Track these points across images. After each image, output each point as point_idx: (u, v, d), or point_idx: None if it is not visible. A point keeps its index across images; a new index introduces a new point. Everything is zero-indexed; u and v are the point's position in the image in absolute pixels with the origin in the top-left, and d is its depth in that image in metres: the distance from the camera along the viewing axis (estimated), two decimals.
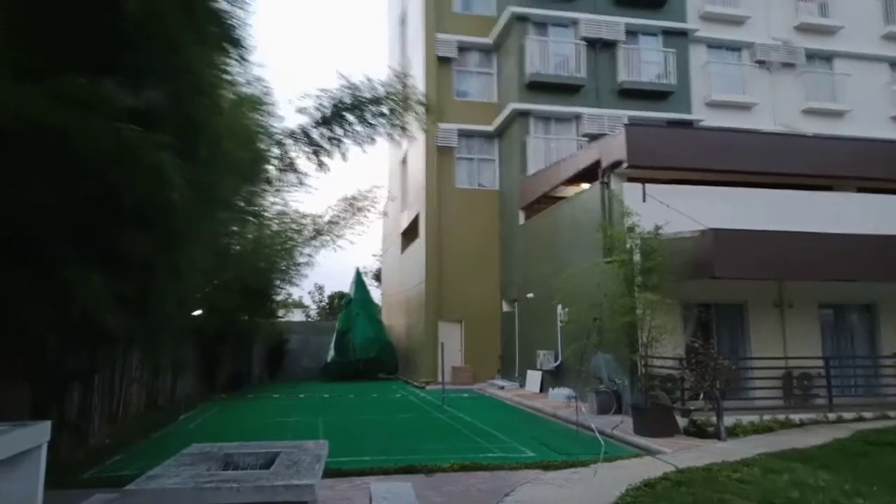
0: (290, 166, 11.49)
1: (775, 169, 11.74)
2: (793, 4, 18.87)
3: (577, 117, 16.85)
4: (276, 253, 17.69)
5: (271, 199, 16.28)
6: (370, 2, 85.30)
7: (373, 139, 11.25)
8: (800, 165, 11.87)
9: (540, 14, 16.89)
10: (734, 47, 18.47)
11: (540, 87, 16.66)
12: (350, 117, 10.91)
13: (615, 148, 11.44)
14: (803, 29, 18.72)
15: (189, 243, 7.97)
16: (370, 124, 11.09)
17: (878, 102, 18.91)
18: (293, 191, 15.07)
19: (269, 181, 13.36)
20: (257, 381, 19.79)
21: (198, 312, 14.06)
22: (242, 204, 13.89)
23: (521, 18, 16.88)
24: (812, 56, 18.81)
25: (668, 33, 17.49)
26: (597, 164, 11.89)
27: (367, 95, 10.94)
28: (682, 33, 17.61)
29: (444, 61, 17.96)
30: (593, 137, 15.47)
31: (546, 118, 16.93)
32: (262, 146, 12.27)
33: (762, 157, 12.03)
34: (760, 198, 11.31)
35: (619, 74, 17.06)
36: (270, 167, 12.48)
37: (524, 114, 16.65)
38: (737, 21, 18.38)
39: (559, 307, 13.07)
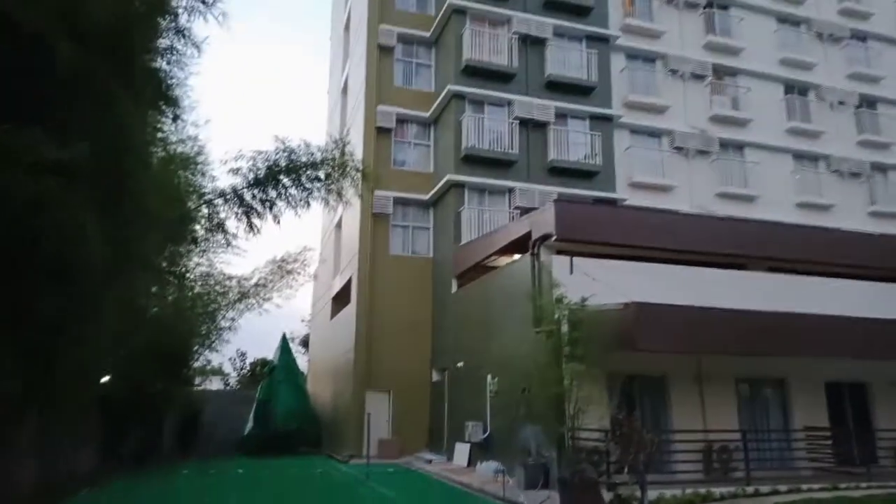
0: (218, 227, 11.22)
1: (693, 247, 12.39)
2: (707, 97, 20.55)
3: (510, 191, 17.41)
4: (196, 317, 16.96)
5: (196, 259, 15.78)
6: (313, 72, 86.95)
7: (307, 203, 11.19)
8: (715, 245, 12.59)
9: (477, 93, 17.66)
10: (655, 133, 19.82)
11: (475, 161, 17.20)
12: (285, 180, 10.85)
13: (545, 221, 11.82)
14: (717, 119, 20.36)
15: (103, 302, 7.52)
16: (305, 188, 11.06)
17: (784, 189, 20.56)
18: (220, 252, 14.69)
19: (195, 241, 12.96)
20: (168, 454, 18.41)
21: (106, 379, 13.13)
22: (165, 264, 13.34)
23: (459, 96, 17.58)
24: (725, 144, 20.39)
25: (594, 118, 18.60)
26: (527, 236, 12.22)
27: (304, 159, 10.97)
28: (608, 118, 18.78)
29: (383, 131, 18.34)
30: (525, 210, 15.96)
31: (480, 190, 17.40)
32: (191, 205, 11.97)
33: (681, 235, 12.72)
34: (680, 274, 11.86)
35: (549, 153, 17.88)
36: (198, 227, 12.14)
37: (459, 185, 17.07)
38: (657, 110, 19.81)
39: (489, 377, 13.02)
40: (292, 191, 10.95)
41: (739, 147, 20.64)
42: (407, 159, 18.91)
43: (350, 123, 20.90)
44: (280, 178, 10.75)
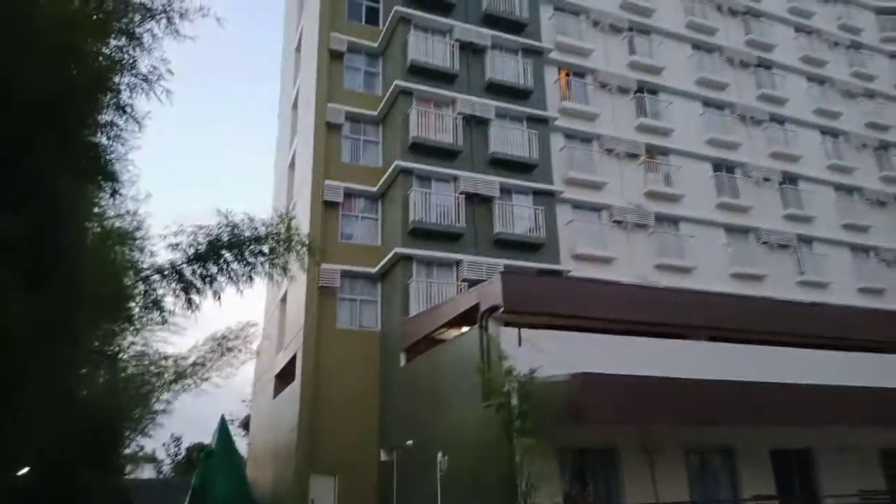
0: (155, 304, 10.81)
1: (636, 318, 12.69)
2: (642, 174, 21.64)
3: (458, 263, 17.57)
4: (128, 400, 16.03)
5: (131, 338, 15.07)
6: (261, 147, 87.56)
7: (250, 278, 10.95)
8: (656, 315, 12.93)
9: (424, 169, 18.08)
10: (595, 208, 20.59)
11: (423, 234, 17.37)
12: (227, 255, 10.63)
13: (492, 293, 11.92)
14: (652, 195, 21.37)
15: (26, 385, 7.02)
16: (248, 263, 10.84)
17: (719, 261, 21.50)
18: (156, 330, 14.09)
19: (130, 319, 12.42)
20: None
21: (24, 470, 12.06)
22: (97, 343, 12.66)
23: (406, 172, 17.94)
24: (661, 218, 21.32)
25: (537, 193, 19.24)
26: (475, 308, 12.25)
27: (248, 234, 10.81)
28: (550, 193, 19.46)
29: (330, 205, 18.40)
30: (472, 283, 16.09)
31: (428, 263, 17.49)
32: (127, 281, 11.53)
33: (624, 306, 13.03)
34: (625, 344, 12.05)
35: (495, 226, 18.27)
36: (133, 304, 11.67)
37: (407, 258, 17.13)
38: (596, 186, 20.68)
39: (439, 455, 12.62)
40: (235, 266, 10.71)
41: (674, 221, 21.62)
42: (354, 233, 18.94)
43: (297, 198, 20.91)
44: (222, 252, 10.54)
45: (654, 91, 23.12)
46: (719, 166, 23.13)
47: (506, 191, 18.87)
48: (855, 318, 16.25)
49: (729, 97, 24.21)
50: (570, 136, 21.12)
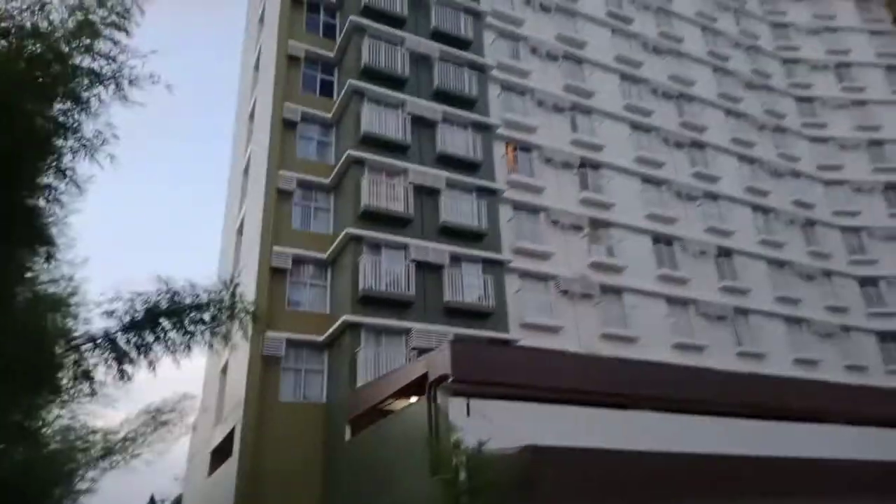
0: (85, 375, 10.22)
1: (584, 387, 12.72)
2: (586, 246, 22.29)
3: (407, 332, 17.41)
4: (51, 478, 14.84)
5: (57, 411, 14.14)
6: (210, 212, 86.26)
7: (189, 348, 10.53)
8: (604, 385, 13.01)
9: (374, 237, 18.14)
10: (542, 277, 20.97)
11: (372, 302, 17.22)
12: (165, 323, 10.24)
13: (441, 363, 11.77)
14: (596, 266, 21.98)
15: None
16: (188, 332, 10.45)
17: (661, 331, 22.03)
18: (85, 402, 13.27)
19: (57, 391, 11.69)
20: None
21: None
22: (18, 417, 11.84)
23: (357, 239, 17.95)
24: (605, 289, 21.86)
25: (486, 262, 19.52)
26: (424, 377, 12.05)
27: (188, 301, 10.48)
28: (499, 263, 19.77)
29: (278, 272, 18.12)
30: (422, 352, 15.90)
31: (377, 331, 17.27)
32: (57, 350, 10.92)
33: (572, 376, 13.07)
34: (573, 414, 12.01)
35: (445, 294, 18.31)
36: (62, 375, 11.03)
37: (355, 326, 16.87)
38: (543, 256, 21.15)
39: None
40: (173, 335, 10.31)
41: (618, 291, 22.19)
42: (302, 300, 18.61)
43: (244, 263, 20.51)
44: (160, 321, 10.14)
45: (596, 166, 24.20)
46: (658, 239, 24.10)
47: (455, 259, 19.06)
48: (792, 389, 16.75)
49: (666, 174, 25.55)
50: (517, 207, 21.71)
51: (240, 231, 22.98)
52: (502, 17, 24.74)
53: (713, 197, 26.44)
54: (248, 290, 17.63)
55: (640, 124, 26.19)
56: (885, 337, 27.15)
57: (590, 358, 17.02)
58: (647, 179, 25.12)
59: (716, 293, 24.06)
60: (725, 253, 25.31)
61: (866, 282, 28.34)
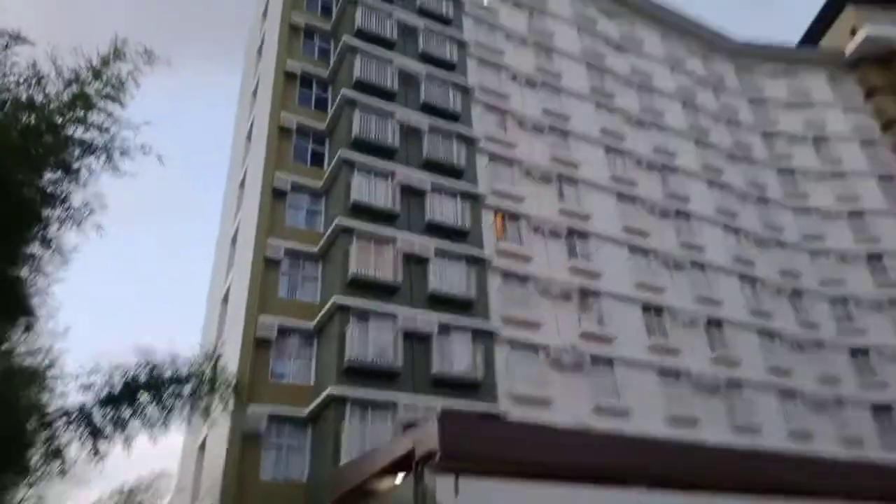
0: (55, 453, 9.76)
1: (577, 464, 12.28)
2: (576, 315, 22.16)
3: (394, 405, 16.94)
4: None
5: (24, 491, 13.44)
6: (196, 283, 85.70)
7: (166, 423, 10.15)
8: (597, 461, 12.57)
9: (362, 306, 17.93)
10: (532, 347, 20.70)
11: (358, 373, 16.84)
12: (143, 397, 9.90)
13: (428, 438, 11.35)
14: (586, 336, 21.78)
15: None
16: (166, 406, 10.10)
17: (653, 403, 21.62)
18: (55, 482, 12.61)
19: (26, 470, 11.15)
20: None
21: None
22: None
23: (344, 308, 17.74)
24: (596, 360, 21.56)
25: (476, 331, 19.29)
26: (411, 454, 11.61)
27: (168, 374, 10.18)
28: (488, 332, 19.54)
29: (263, 342, 17.75)
30: (409, 426, 15.39)
31: (363, 405, 16.78)
32: (28, 427, 10.48)
33: (564, 452, 12.64)
34: (565, 493, 11.54)
35: (433, 365, 17.97)
36: (33, 452, 10.56)
37: (341, 399, 16.41)
38: (533, 325, 20.97)
39: None
40: (150, 409, 9.95)
41: (609, 362, 21.89)
42: (286, 372, 18.15)
43: (228, 334, 20.16)
44: (138, 394, 9.80)
45: (583, 235, 24.41)
46: (648, 308, 24.03)
47: (444, 328, 18.83)
48: (789, 465, 16.31)
49: (652, 244, 25.79)
50: (506, 275, 21.69)
51: (225, 301, 22.69)
52: (489, 91, 25.54)
53: (700, 266, 26.62)
54: (231, 361, 17.25)
55: (625, 194, 26.65)
56: (878, 409, 26.80)
57: (583, 433, 16.57)
58: (634, 248, 25.31)
59: (707, 364, 23.79)
60: (715, 323, 25.23)
61: (856, 352, 28.24)
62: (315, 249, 19.82)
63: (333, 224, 19.04)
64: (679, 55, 34.49)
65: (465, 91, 24.41)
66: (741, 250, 28.34)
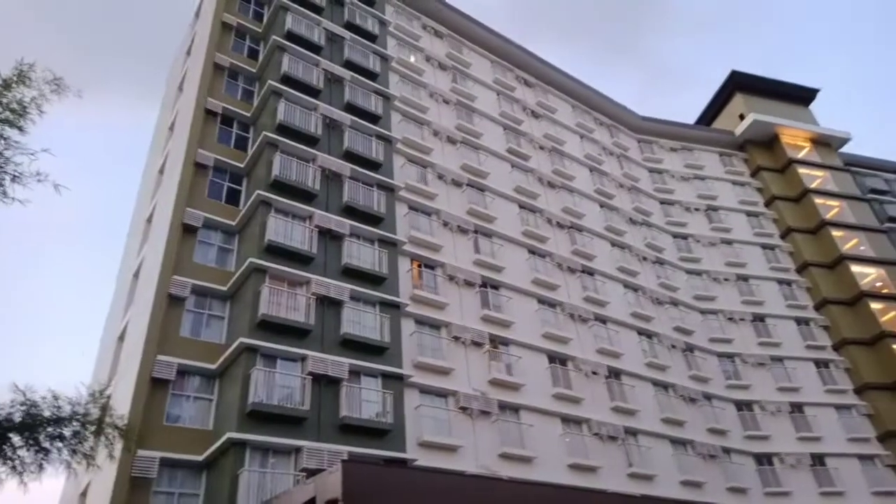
0: None
1: None
2: (486, 363, 22.57)
3: (298, 451, 16.43)
4: None
5: None
6: (91, 319, 79.91)
7: (42, 468, 9.38)
8: None
9: (270, 347, 17.48)
10: (442, 394, 20.82)
11: (261, 417, 16.27)
12: (15, 439, 9.13)
13: (332, 485, 11.18)
14: (495, 383, 22.17)
15: None
16: (42, 449, 9.34)
17: (556, 451, 22.14)
18: None
19: None
20: None
21: None
22: None
23: (251, 349, 17.23)
24: (504, 407, 21.95)
25: (386, 376, 19.22)
26: (312, 501, 11.33)
27: (47, 414, 9.47)
28: (399, 377, 19.52)
29: (160, 382, 16.83)
30: (312, 472, 14.99)
31: (264, 449, 16.18)
32: None
33: (469, 499, 12.75)
34: None
35: (341, 410, 17.66)
36: None
37: (241, 444, 15.74)
38: (444, 372, 21.14)
39: None
40: (23, 452, 9.16)
41: (516, 409, 22.34)
42: (183, 415, 17.22)
43: (122, 373, 18.96)
44: (9, 436, 9.02)
45: (496, 286, 25.16)
46: (553, 359, 24.87)
47: (355, 373, 18.64)
48: None
49: (560, 297, 26.92)
50: (420, 321, 21.90)
51: (121, 338, 21.43)
52: (412, 144, 26.30)
53: (603, 320, 27.96)
54: (123, 402, 16.28)
55: (536, 249, 27.84)
56: (760, 459, 28.68)
57: (488, 480, 16.70)
58: (542, 301, 26.30)
59: (607, 413, 24.74)
60: (615, 374, 26.42)
61: (742, 405, 30.30)
62: (224, 288, 19.25)
63: (246, 263, 18.66)
64: (588, 125, 37.01)
65: (389, 142, 25.01)
66: (640, 307, 30.06)
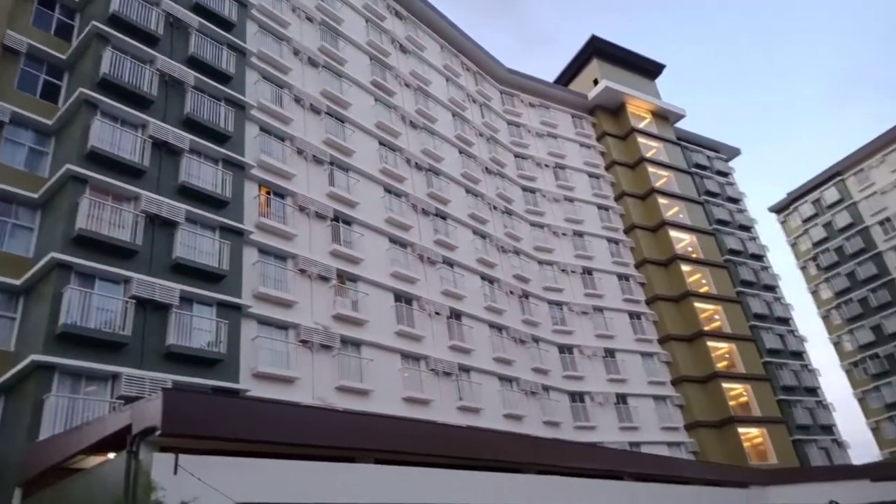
0: None
1: (308, 441, 12.36)
2: (332, 298, 22.32)
3: (115, 377, 15.23)
4: None
5: None
6: None
7: None
8: (327, 438, 12.81)
9: (88, 266, 15.78)
10: (282, 326, 20.32)
11: (74, 340, 14.78)
12: None
13: (150, 413, 10.43)
14: (339, 318, 22.08)
15: None
16: None
17: (394, 385, 22.77)
18: None
19: None
20: None
21: None
22: None
23: (65, 266, 15.43)
24: (346, 341, 22.00)
25: (222, 305, 18.28)
26: (128, 429, 10.55)
27: None
28: (236, 307, 18.66)
29: None
30: (130, 400, 13.99)
31: (76, 375, 14.80)
32: None
33: (296, 428, 12.63)
34: (295, 469, 11.55)
35: (168, 337, 16.57)
36: None
37: (48, 367, 14.23)
38: (286, 304, 20.58)
39: None
40: None
41: (357, 345, 22.52)
42: None
43: None
44: None
45: (348, 222, 24.75)
46: (400, 297, 25.27)
47: (187, 300, 17.50)
48: (502, 442, 18.48)
49: (411, 238, 27.20)
50: (264, 251, 20.98)
51: None
52: (268, 60, 24.47)
53: (450, 264, 28.80)
54: None
55: (392, 188, 27.68)
56: (574, 397, 31.86)
57: (315, 410, 16.74)
58: (394, 240, 26.40)
59: (445, 351, 25.83)
60: (457, 315, 27.52)
61: (564, 349, 33.21)
62: (35, 196, 16.89)
63: (63, 169, 16.44)
64: (455, 69, 36.94)
65: (242, 53, 23.04)
66: (486, 253, 31.34)
